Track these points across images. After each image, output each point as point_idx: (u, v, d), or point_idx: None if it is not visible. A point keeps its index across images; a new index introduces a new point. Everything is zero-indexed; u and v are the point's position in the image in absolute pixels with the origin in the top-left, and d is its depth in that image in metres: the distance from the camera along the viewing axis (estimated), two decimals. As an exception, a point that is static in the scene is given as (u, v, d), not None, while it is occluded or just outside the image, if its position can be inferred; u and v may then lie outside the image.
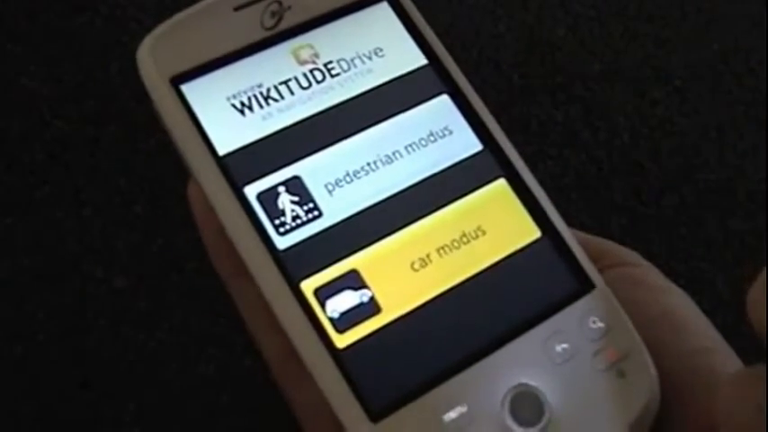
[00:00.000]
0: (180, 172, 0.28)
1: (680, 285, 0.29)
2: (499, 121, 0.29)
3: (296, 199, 0.27)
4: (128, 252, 0.87)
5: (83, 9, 0.98)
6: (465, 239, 0.27)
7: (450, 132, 0.29)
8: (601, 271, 0.28)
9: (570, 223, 0.29)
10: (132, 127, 0.92)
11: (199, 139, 0.27)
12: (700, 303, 0.29)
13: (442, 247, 0.27)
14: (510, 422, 0.25)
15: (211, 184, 0.26)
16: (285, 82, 0.28)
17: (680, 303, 0.28)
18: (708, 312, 0.28)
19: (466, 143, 0.29)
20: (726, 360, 0.26)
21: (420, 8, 0.30)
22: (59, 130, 0.92)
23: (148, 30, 0.28)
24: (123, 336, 0.84)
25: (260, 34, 0.28)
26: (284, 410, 0.27)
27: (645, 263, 0.30)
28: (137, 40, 0.27)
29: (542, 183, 0.29)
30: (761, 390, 0.21)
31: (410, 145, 0.28)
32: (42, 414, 0.80)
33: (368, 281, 0.26)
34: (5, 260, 0.85)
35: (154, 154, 0.90)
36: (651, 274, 0.29)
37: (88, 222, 0.88)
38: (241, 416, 0.82)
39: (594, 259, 0.29)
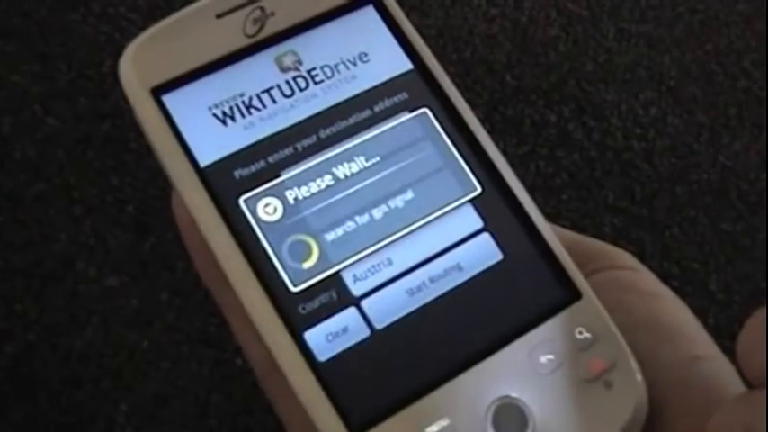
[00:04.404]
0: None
1: (672, 286, 0.29)
2: (492, 122, 0.29)
3: (279, 209, 0.27)
4: (120, 251, 0.87)
5: (75, 7, 0.98)
6: (450, 248, 0.27)
7: (435, 140, 0.28)
8: (592, 273, 0.28)
9: (563, 224, 0.29)
10: (125, 125, 0.92)
11: (180, 150, 0.27)
12: (692, 304, 0.29)
13: (427, 258, 0.27)
14: None
15: (192, 195, 0.26)
16: (267, 90, 0.28)
17: (671, 308, 0.28)
18: (700, 313, 0.28)
19: (450, 151, 0.28)
20: (718, 367, 0.26)
21: (413, 8, 0.30)
22: (51, 128, 0.92)
23: (141, 28, 0.27)
24: (115, 335, 0.84)
25: (242, 42, 0.28)
26: (276, 412, 0.27)
27: (640, 267, 0.29)
28: (129, 38, 0.27)
29: (535, 183, 0.28)
30: (749, 411, 0.21)
31: (396, 152, 0.28)
32: (34, 413, 0.80)
33: (352, 291, 0.26)
34: (-3, 259, 0.85)
35: (146, 152, 0.90)
36: (644, 279, 0.28)
37: (80, 221, 0.88)
38: (233, 415, 0.82)
39: (587, 261, 0.28)
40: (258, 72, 0.28)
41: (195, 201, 0.26)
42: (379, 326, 0.26)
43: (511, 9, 1.07)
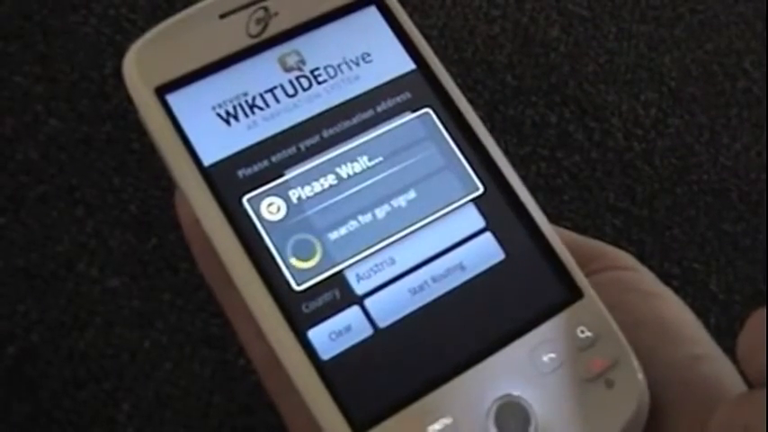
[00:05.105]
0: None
1: (673, 286, 0.29)
2: (493, 122, 0.29)
3: (283, 209, 0.27)
4: (122, 251, 0.87)
5: (76, 8, 0.98)
6: (452, 248, 0.27)
7: (438, 140, 0.29)
8: (593, 273, 0.28)
9: (564, 224, 0.29)
10: (127, 126, 0.92)
11: (183, 149, 0.27)
12: (693, 304, 0.29)
13: (430, 257, 0.27)
14: None
15: (196, 194, 0.26)
16: (271, 90, 0.28)
17: (671, 309, 0.28)
18: (701, 313, 0.28)
19: (452, 151, 0.28)
20: (719, 367, 0.26)
21: (414, 9, 0.30)
22: (53, 129, 0.92)
23: (142, 29, 0.27)
24: (117, 336, 0.84)
25: (245, 42, 0.28)
26: (278, 411, 0.28)
27: (641, 267, 0.29)
28: (131, 39, 0.27)
29: (536, 183, 0.29)
30: (749, 411, 0.21)
31: (398, 151, 0.28)
32: (36, 414, 0.80)
33: (355, 290, 0.26)
34: (-1, 259, 0.85)
35: (148, 153, 0.90)
36: (645, 279, 0.29)
37: (82, 222, 0.88)
38: (235, 416, 0.82)
39: (588, 261, 0.29)
40: (261, 72, 0.28)
41: (199, 200, 0.26)
42: (381, 325, 0.26)
43: (512, 10, 1.07)
